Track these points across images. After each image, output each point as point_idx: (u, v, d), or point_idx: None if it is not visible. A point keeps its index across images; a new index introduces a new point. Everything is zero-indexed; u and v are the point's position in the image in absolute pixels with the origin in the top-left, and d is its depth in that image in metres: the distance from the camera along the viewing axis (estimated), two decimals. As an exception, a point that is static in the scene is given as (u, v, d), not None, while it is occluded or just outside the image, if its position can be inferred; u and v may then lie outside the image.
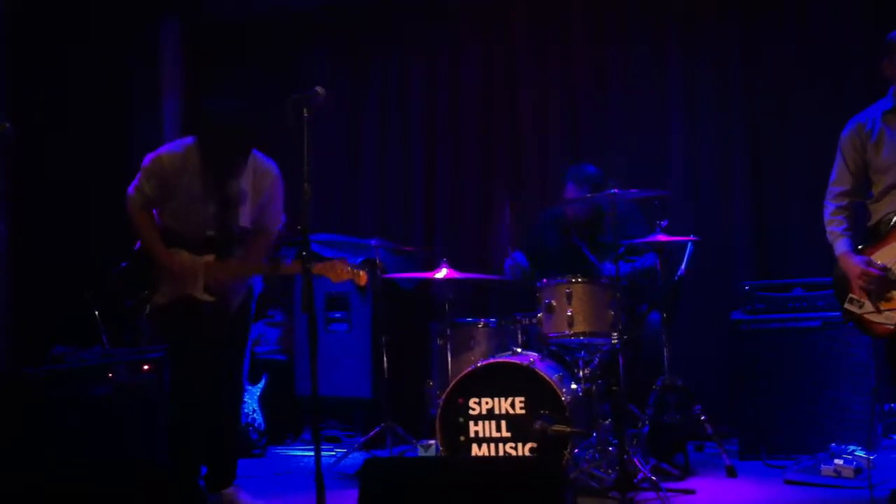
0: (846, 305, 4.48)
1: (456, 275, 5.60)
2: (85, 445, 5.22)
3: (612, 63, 6.95)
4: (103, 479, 3.88)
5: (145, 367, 5.64)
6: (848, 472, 4.96)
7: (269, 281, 6.65)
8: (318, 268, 4.54)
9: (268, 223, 4.89)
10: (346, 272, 4.59)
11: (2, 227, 6.17)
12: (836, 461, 5.03)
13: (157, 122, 7.28)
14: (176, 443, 4.84)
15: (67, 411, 5.26)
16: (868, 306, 4.39)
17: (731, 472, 5.28)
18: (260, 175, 4.80)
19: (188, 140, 4.78)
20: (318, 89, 4.14)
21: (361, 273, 4.59)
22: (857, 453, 5.13)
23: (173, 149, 4.78)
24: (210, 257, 4.71)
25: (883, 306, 4.35)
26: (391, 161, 7.44)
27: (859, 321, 4.46)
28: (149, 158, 4.75)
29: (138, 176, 4.76)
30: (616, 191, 5.13)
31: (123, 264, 4.86)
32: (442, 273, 5.58)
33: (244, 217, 4.76)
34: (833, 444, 5.26)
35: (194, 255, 4.71)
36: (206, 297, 4.70)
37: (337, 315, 6.71)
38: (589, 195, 5.66)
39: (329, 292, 6.69)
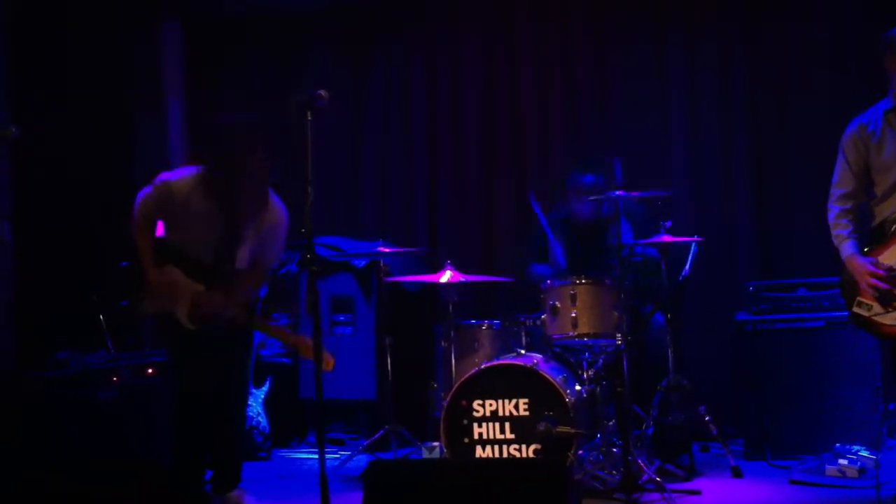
0: (854, 309, 4.47)
1: (460, 277, 5.59)
2: (90, 448, 5.23)
3: (614, 63, 6.95)
4: (107, 480, 3.89)
5: (149, 370, 5.65)
6: (853, 473, 4.96)
7: (274, 284, 6.69)
8: (290, 337, 4.57)
9: (264, 260, 4.85)
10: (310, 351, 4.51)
11: (7, 229, 6.17)
12: (841, 461, 5.03)
13: (159, 122, 7.27)
14: (180, 446, 4.83)
15: (72, 415, 5.27)
16: (876, 308, 4.38)
17: (737, 473, 5.27)
18: (266, 214, 4.75)
19: (195, 170, 4.71)
20: (322, 92, 4.12)
21: (329, 359, 4.49)
22: (861, 453, 5.12)
23: (184, 176, 4.70)
24: (199, 287, 4.64)
25: (892, 307, 4.34)
26: (394, 162, 7.42)
27: (868, 324, 4.45)
28: (160, 179, 4.70)
29: (149, 187, 4.70)
30: (620, 192, 5.14)
31: (124, 263, 4.85)
32: (446, 275, 5.58)
33: (243, 258, 4.72)
34: (837, 445, 5.26)
35: (186, 277, 4.65)
36: (190, 325, 4.64)
37: (341, 318, 6.72)
38: (593, 198, 5.65)
39: (333, 295, 6.70)
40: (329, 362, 4.41)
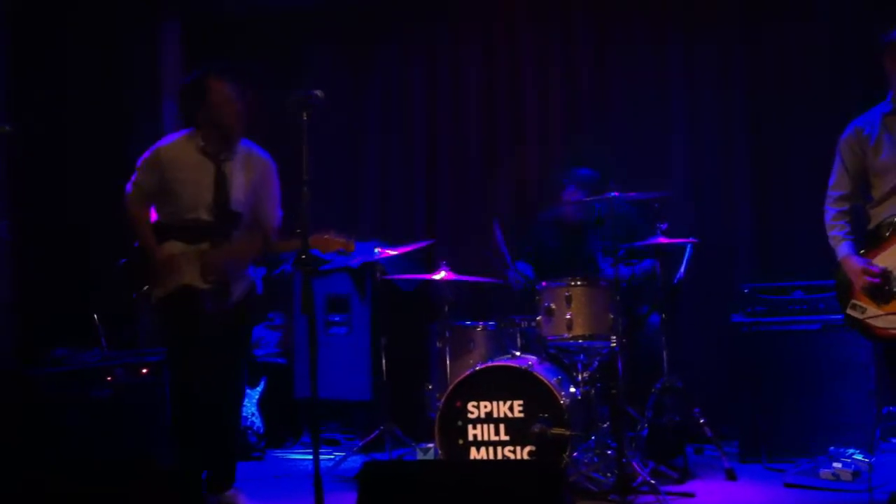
0: (848, 311, 4.47)
1: (455, 277, 5.59)
2: (84, 447, 5.23)
3: (614, 64, 6.94)
4: (103, 478, 3.88)
5: (144, 370, 5.64)
6: (846, 476, 4.97)
7: (269, 284, 6.68)
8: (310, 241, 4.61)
9: (264, 215, 4.90)
10: (335, 243, 4.62)
11: (3, 228, 6.17)
12: (835, 464, 5.04)
13: (157, 123, 7.25)
14: (177, 444, 4.84)
15: (67, 413, 5.27)
16: (871, 311, 4.39)
17: (731, 475, 5.27)
18: (254, 162, 4.87)
19: (184, 131, 4.88)
20: (318, 92, 4.14)
21: (348, 242, 4.60)
22: (855, 457, 5.13)
23: (169, 139, 4.91)
24: (205, 245, 4.73)
25: (885, 310, 4.35)
26: (393, 162, 7.42)
27: (862, 326, 4.45)
28: (147, 153, 4.85)
29: (135, 172, 4.85)
30: (615, 193, 5.14)
31: (123, 261, 4.89)
32: (441, 275, 5.58)
33: (238, 201, 4.78)
34: (832, 448, 5.26)
35: (189, 245, 4.73)
36: (203, 284, 4.72)
37: (336, 318, 6.71)
38: (587, 198, 5.66)
39: (329, 294, 6.69)
40: (349, 245, 4.55)
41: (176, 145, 4.85)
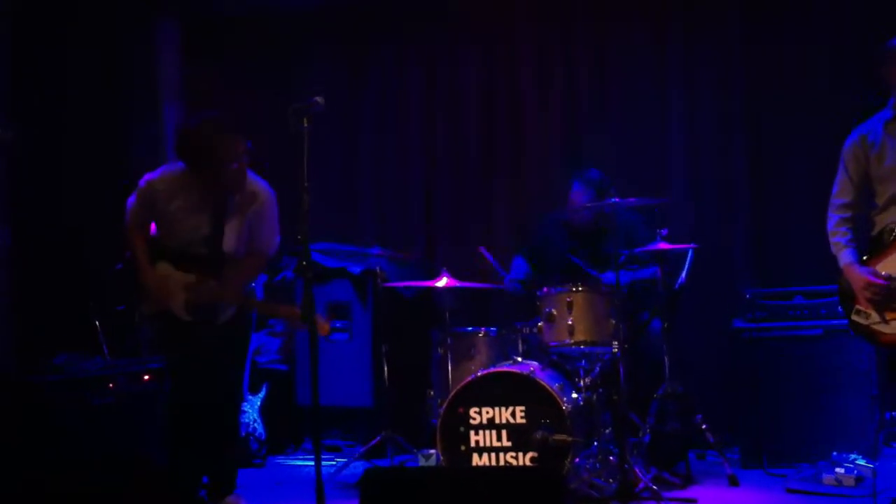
0: (853, 317, 4.48)
1: (456, 283, 5.59)
2: (86, 455, 5.22)
3: (613, 67, 6.93)
4: (103, 478, 3.89)
5: (146, 377, 5.64)
6: (849, 481, 4.96)
7: (270, 291, 6.68)
8: (282, 310, 4.67)
9: (259, 245, 4.85)
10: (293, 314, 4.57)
11: (5, 233, 6.17)
12: (838, 470, 5.03)
13: (156, 123, 7.24)
14: (174, 452, 4.83)
15: (69, 420, 5.26)
16: (875, 317, 4.39)
17: (733, 481, 5.27)
18: (249, 195, 4.77)
19: (180, 164, 4.75)
20: (318, 99, 4.13)
21: (324, 325, 4.52)
22: (858, 462, 5.12)
23: (168, 171, 4.76)
24: (192, 277, 4.67)
25: (889, 317, 4.35)
26: (390, 164, 7.39)
27: (868, 332, 4.45)
28: (144, 181, 4.75)
29: (135, 193, 4.77)
30: (616, 199, 5.14)
31: (118, 266, 4.88)
32: (442, 282, 5.58)
33: (230, 244, 4.72)
34: (834, 453, 5.25)
35: (178, 271, 4.69)
36: (185, 317, 4.68)
37: (337, 324, 6.68)
38: (591, 203, 5.66)
39: (330, 301, 6.68)
40: (324, 327, 4.47)
41: (174, 181, 4.70)
